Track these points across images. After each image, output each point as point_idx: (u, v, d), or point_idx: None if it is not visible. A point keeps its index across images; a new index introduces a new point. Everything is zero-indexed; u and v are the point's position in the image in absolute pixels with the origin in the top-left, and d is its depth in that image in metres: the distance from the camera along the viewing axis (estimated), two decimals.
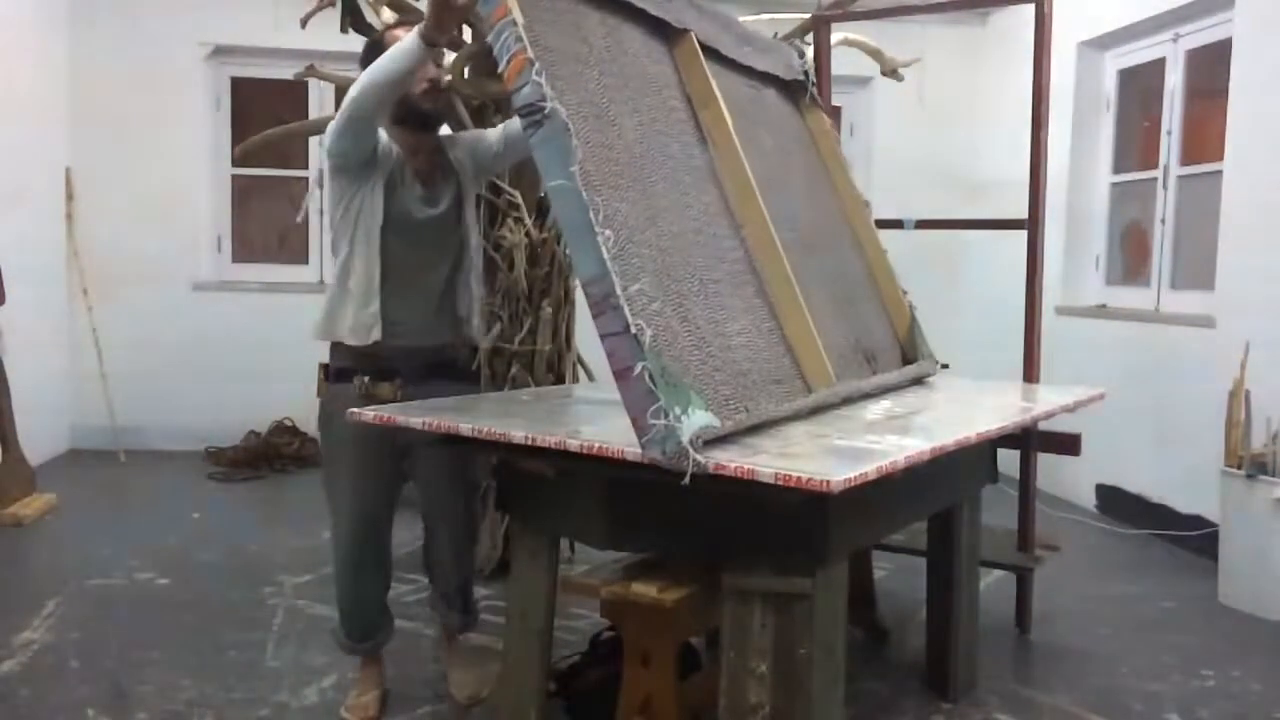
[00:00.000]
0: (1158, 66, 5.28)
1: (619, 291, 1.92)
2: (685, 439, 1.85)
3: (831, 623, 2.18)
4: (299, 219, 6.25)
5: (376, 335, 2.68)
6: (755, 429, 2.17)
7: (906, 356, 3.31)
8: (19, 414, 4.93)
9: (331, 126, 2.57)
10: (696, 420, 1.92)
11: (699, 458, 1.85)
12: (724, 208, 2.58)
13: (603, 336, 1.94)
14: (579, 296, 4.13)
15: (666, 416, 1.86)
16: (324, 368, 2.84)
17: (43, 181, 5.98)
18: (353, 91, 2.48)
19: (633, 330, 1.91)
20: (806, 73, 3.50)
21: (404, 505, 5.36)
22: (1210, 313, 4.58)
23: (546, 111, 1.99)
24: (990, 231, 4.12)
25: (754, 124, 2.99)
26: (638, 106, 2.38)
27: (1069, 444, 3.55)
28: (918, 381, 3.29)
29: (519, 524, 2.54)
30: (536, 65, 2.01)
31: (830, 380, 2.56)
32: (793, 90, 3.45)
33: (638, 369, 1.89)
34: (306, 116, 6.27)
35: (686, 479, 1.84)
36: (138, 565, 4.12)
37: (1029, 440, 3.58)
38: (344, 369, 2.75)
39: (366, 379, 2.70)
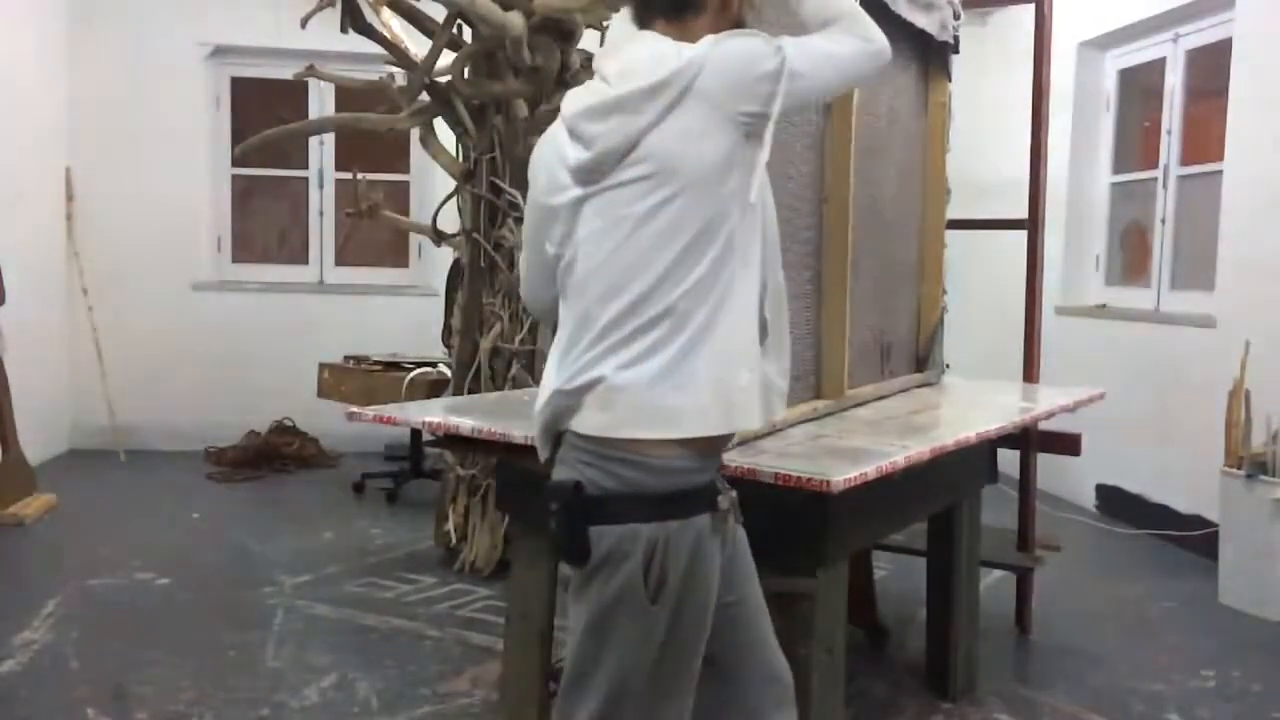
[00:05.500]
0: (1158, 66, 5.28)
1: None
2: None
3: (831, 623, 2.18)
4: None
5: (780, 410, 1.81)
6: None
7: (920, 357, 3.30)
8: (19, 414, 4.93)
9: (858, 56, 1.69)
10: None
11: None
12: (817, 180, 2.54)
13: None
14: None
15: None
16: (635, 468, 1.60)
17: (43, 181, 5.98)
18: (873, 27, 1.71)
19: None
20: (956, 37, 3.26)
21: (403, 504, 5.38)
22: (1210, 313, 4.58)
23: None
24: (990, 231, 4.12)
25: (878, 85, 2.90)
26: None
27: (1069, 444, 3.55)
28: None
29: (519, 524, 2.54)
30: None
31: (842, 392, 2.57)
32: (929, 51, 3.27)
33: None
34: (306, 116, 6.27)
35: None
36: (138, 565, 4.11)
37: (1029, 440, 3.57)
38: (701, 488, 1.65)
39: (733, 494, 1.72)
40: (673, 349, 1.58)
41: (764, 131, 1.62)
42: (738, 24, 1.73)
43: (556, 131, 1.73)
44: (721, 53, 1.59)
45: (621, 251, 1.60)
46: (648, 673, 1.63)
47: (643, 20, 1.71)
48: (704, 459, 1.65)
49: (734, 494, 1.70)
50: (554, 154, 1.70)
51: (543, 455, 1.73)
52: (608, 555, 1.60)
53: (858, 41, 1.67)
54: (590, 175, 1.63)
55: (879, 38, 1.69)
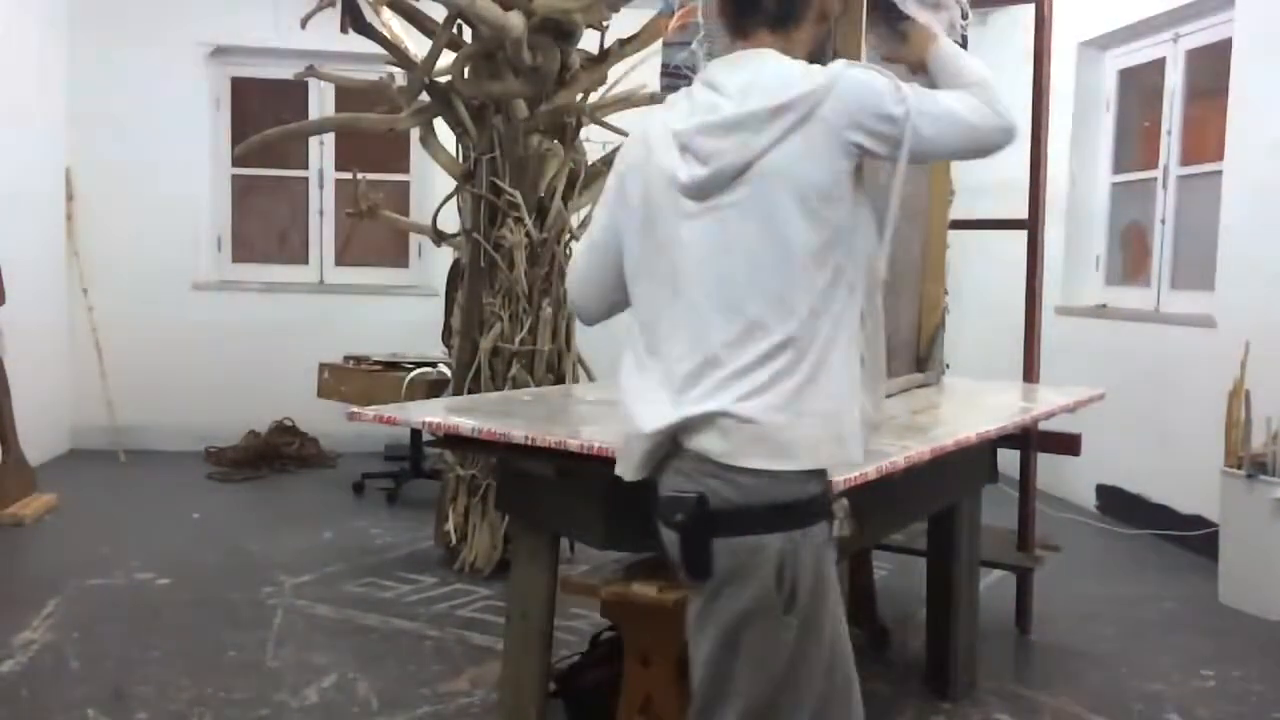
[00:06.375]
0: (1158, 66, 5.28)
1: None
2: None
3: None
4: None
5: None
6: None
7: (920, 357, 3.30)
8: (19, 414, 4.93)
9: (989, 129, 1.65)
10: None
11: None
12: None
13: None
14: None
15: None
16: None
17: (43, 181, 5.98)
18: (1005, 102, 1.67)
19: None
20: (965, 36, 3.30)
21: (403, 504, 5.38)
22: (1210, 313, 4.58)
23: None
24: (990, 231, 4.12)
25: None
26: None
27: (1069, 444, 3.55)
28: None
29: (519, 524, 2.54)
30: (701, 34, 1.94)
31: None
32: None
33: None
34: (306, 116, 6.27)
35: None
36: (138, 565, 4.11)
37: (1029, 440, 3.57)
38: (817, 496, 1.65)
39: (845, 501, 1.72)
40: (793, 381, 1.57)
41: (887, 174, 1.63)
42: (829, 31, 1.76)
43: (657, 140, 1.68)
44: (848, 81, 1.59)
45: (734, 273, 1.58)
46: (781, 683, 1.64)
47: (744, 31, 1.69)
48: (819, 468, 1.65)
49: (845, 503, 1.69)
50: (653, 165, 1.66)
51: (636, 477, 1.71)
52: (735, 569, 1.59)
53: (991, 113, 1.64)
54: (702, 192, 1.60)
55: (1011, 115, 1.66)
